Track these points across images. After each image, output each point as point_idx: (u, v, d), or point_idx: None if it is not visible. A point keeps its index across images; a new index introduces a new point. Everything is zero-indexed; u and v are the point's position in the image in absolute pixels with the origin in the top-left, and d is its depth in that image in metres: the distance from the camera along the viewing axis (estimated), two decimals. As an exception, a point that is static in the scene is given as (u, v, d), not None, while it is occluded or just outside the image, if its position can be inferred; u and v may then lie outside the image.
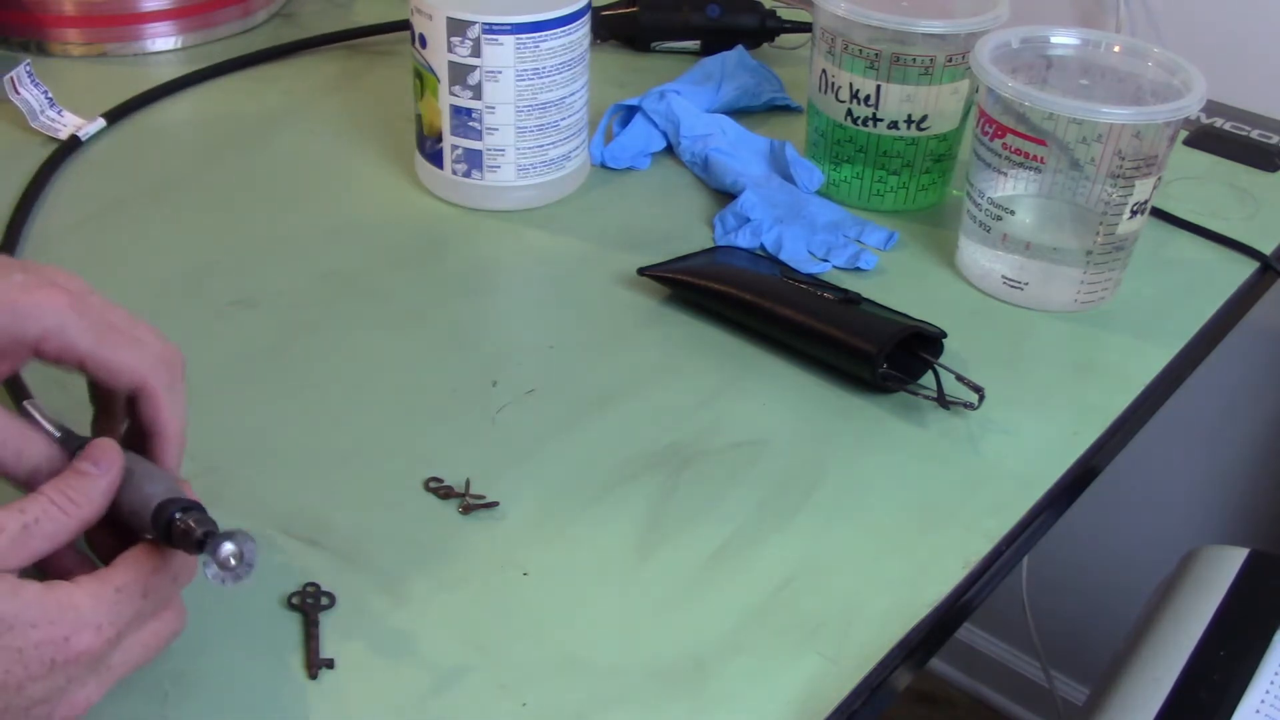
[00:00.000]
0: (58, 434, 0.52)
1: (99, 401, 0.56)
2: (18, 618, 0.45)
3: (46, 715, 0.46)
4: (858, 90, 0.85)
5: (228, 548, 0.47)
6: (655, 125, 0.94)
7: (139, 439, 0.53)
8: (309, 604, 0.57)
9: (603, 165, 0.93)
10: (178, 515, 0.48)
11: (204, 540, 0.48)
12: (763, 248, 0.83)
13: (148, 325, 0.54)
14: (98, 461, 0.49)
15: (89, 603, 0.46)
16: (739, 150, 0.91)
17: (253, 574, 0.48)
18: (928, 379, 0.72)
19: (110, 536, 0.51)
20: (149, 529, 0.49)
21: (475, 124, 0.83)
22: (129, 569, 0.48)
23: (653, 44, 1.10)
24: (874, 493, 0.66)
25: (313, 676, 0.54)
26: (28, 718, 0.46)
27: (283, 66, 1.06)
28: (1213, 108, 1.03)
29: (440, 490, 0.64)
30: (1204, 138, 0.99)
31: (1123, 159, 0.74)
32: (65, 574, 0.48)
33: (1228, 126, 1.01)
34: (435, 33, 0.81)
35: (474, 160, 0.85)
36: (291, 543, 0.60)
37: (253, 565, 0.48)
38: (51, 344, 0.51)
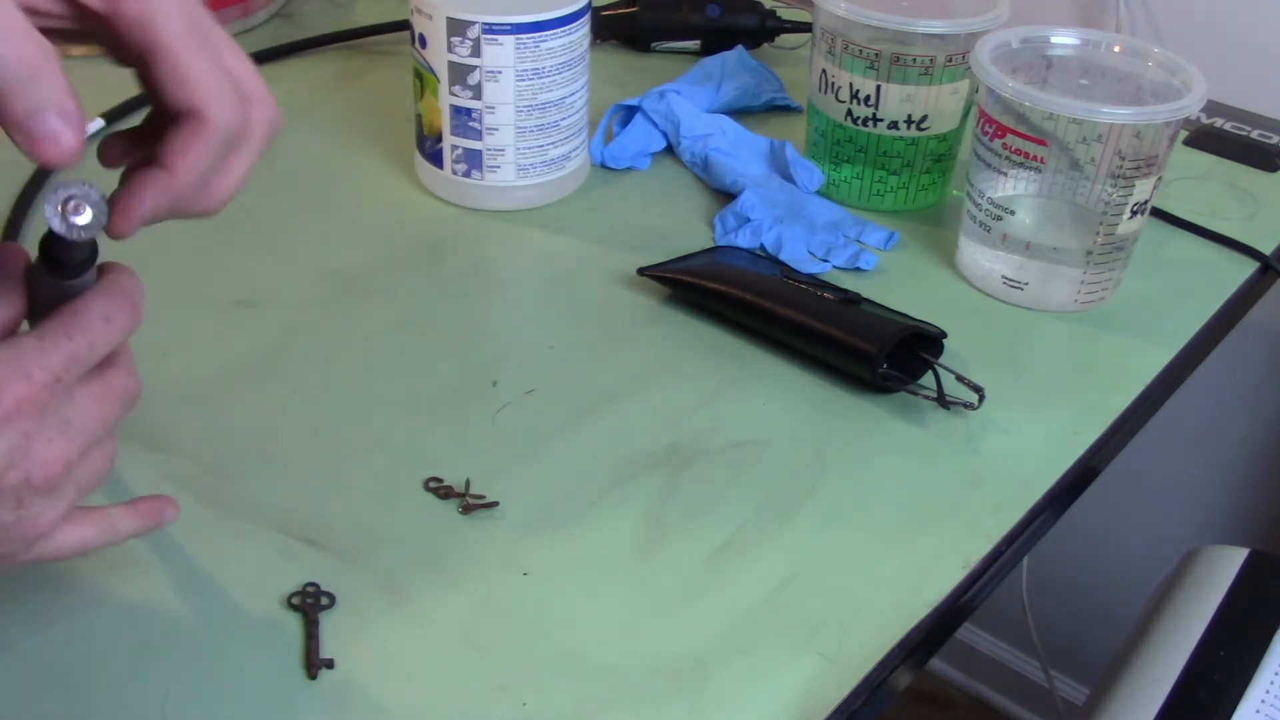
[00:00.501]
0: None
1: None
2: None
3: (17, 538, 0.44)
4: (858, 90, 0.85)
5: (71, 201, 0.42)
6: (655, 125, 0.94)
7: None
8: (309, 604, 0.57)
9: (603, 165, 0.93)
10: (51, 228, 0.43)
11: (60, 209, 0.42)
12: (763, 248, 0.83)
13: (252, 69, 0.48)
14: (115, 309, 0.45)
15: (7, 353, 0.43)
16: (739, 150, 0.91)
17: (100, 216, 0.43)
18: (928, 379, 0.72)
19: None
20: (45, 275, 0.44)
21: (475, 124, 0.83)
22: (45, 321, 0.44)
23: (653, 44, 1.10)
24: (874, 493, 0.66)
25: (313, 677, 0.54)
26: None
27: (283, 66, 1.06)
28: (1213, 108, 1.03)
29: (440, 490, 0.64)
30: (1204, 138, 0.99)
31: (1123, 159, 0.74)
32: None
33: (1228, 126, 1.01)
34: (435, 33, 0.81)
35: (474, 160, 0.85)
36: (291, 543, 0.60)
37: (101, 208, 0.43)
38: (127, 12, 0.45)
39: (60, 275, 0.45)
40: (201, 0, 0.47)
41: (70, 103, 0.42)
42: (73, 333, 0.44)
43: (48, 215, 0.42)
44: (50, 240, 0.44)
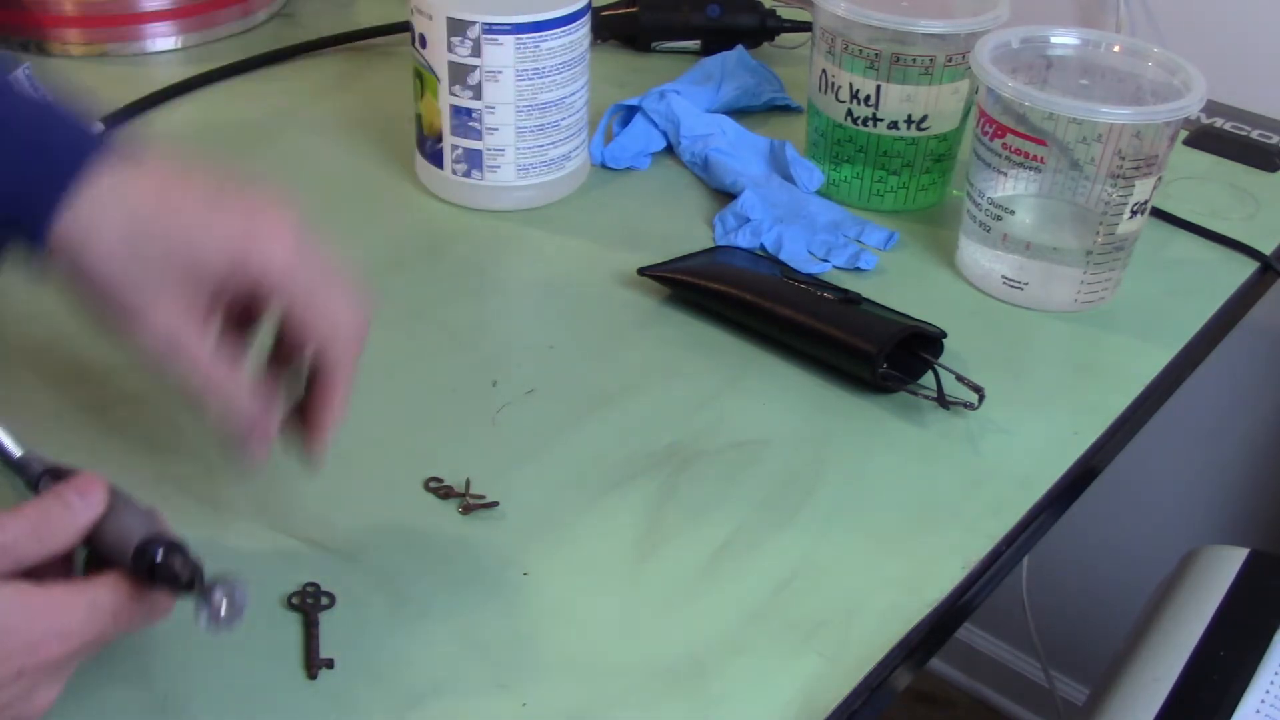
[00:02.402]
0: (17, 454, 0.53)
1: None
2: None
3: (9, 717, 0.46)
4: (858, 90, 0.85)
5: (219, 595, 0.48)
6: (655, 125, 0.94)
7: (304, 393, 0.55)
8: (309, 604, 0.57)
9: (603, 165, 0.93)
10: (160, 557, 0.48)
11: (191, 583, 0.48)
12: (763, 248, 0.83)
13: (349, 284, 0.54)
14: (84, 495, 0.49)
15: (58, 612, 0.46)
16: (739, 150, 0.91)
17: (244, 616, 0.48)
18: (928, 379, 0.72)
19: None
20: (129, 564, 0.49)
21: (475, 124, 0.83)
22: (106, 588, 0.48)
23: (653, 44, 1.10)
24: (874, 493, 0.66)
25: (312, 676, 0.54)
26: None
27: (283, 67, 1.06)
28: (1213, 108, 1.03)
29: (440, 490, 0.64)
30: (1204, 138, 0.99)
31: (1123, 159, 0.74)
32: (38, 575, 0.48)
33: (1228, 126, 1.01)
34: (435, 33, 0.81)
35: (474, 160, 0.85)
36: (291, 543, 0.60)
37: (245, 607, 0.48)
38: (272, 282, 0.52)
39: (145, 576, 0.49)
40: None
41: (253, 420, 0.55)
42: (119, 615, 0.48)
43: (214, 595, 0.48)
44: (169, 575, 0.48)
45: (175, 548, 0.49)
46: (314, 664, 0.54)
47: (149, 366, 0.55)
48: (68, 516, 0.49)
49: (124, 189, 0.52)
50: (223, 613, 0.48)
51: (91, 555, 0.50)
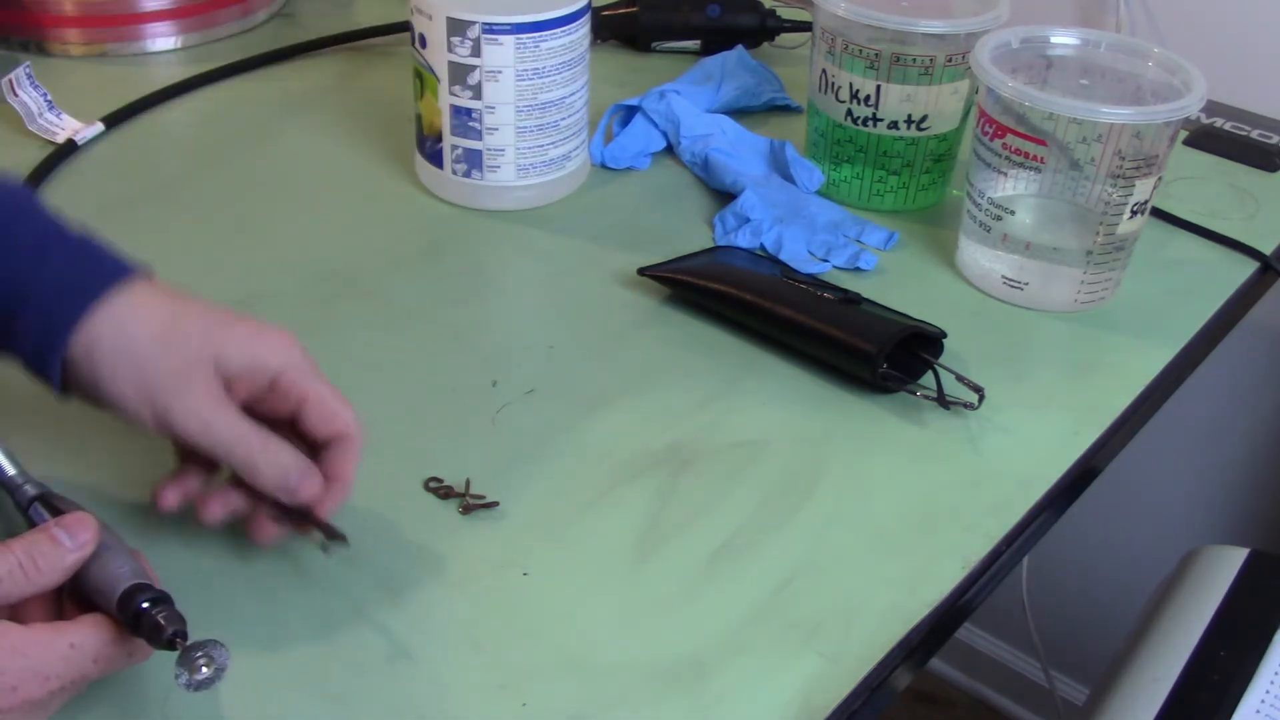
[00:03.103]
0: (10, 472, 0.54)
1: (184, 455, 0.59)
2: None
3: None
4: (858, 90, 0.85)
5: (200, 659, 0.48)
6: (655, 125, 0.94)
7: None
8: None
9: (603, 165, 0.93)
10: (146, 606, 0.48)
11: (173, 640, 0.48)
12: (763, 248, 0.83)
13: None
14: (74, 534, 0.49)
15: (40, 652, 0.47)
16: (739, 150, 0.91)
17: (217, 677, 0.48)
18: (928, 379, 0.72)
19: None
20: (112, 609, 0.49)
21: (475, 124, 0.83)
22: (87, 630, 0.48)
23: (653, 44, 1.10)
24: (874, 493, 0.66)
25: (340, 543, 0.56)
26: None
27: (283, 67, 1.06)
28: (1213, 108, 1.03)
29: (440, 490, 0.64)
30: (1204, 138, 0.99)
31: (1123, 159, 0.74)
32: (19, 614, 0.49)
33: (1228, 126, 1.01)
34: (435, 33, 0.81)
35: (474, 160, 0.85)
36: (291, 543, 0.60)
37: (224, 670, 0.48)
38: (287, 377, 0.57)
39: (128, 626, 0.49)
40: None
41: (298, 460, 0.56)
42: (99, 658, 0.49)
43: (194, 657, 0.48)
44: (153, 627, 0.49)
45: (160, 600, 0.49)
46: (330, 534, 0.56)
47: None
48: (56, 555, 0.49)
49: (151, 297, 0.57)
50: (202, 674, 0.48)
51: (74, 592, 0.50)
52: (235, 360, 0.56)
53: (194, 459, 0.59)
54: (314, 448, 0.58)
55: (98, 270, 0.56)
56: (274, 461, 0.56)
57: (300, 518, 0.57)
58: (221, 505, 0.58)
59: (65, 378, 0.56)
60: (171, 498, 0.58)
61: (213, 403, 0.55)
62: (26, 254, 0.56)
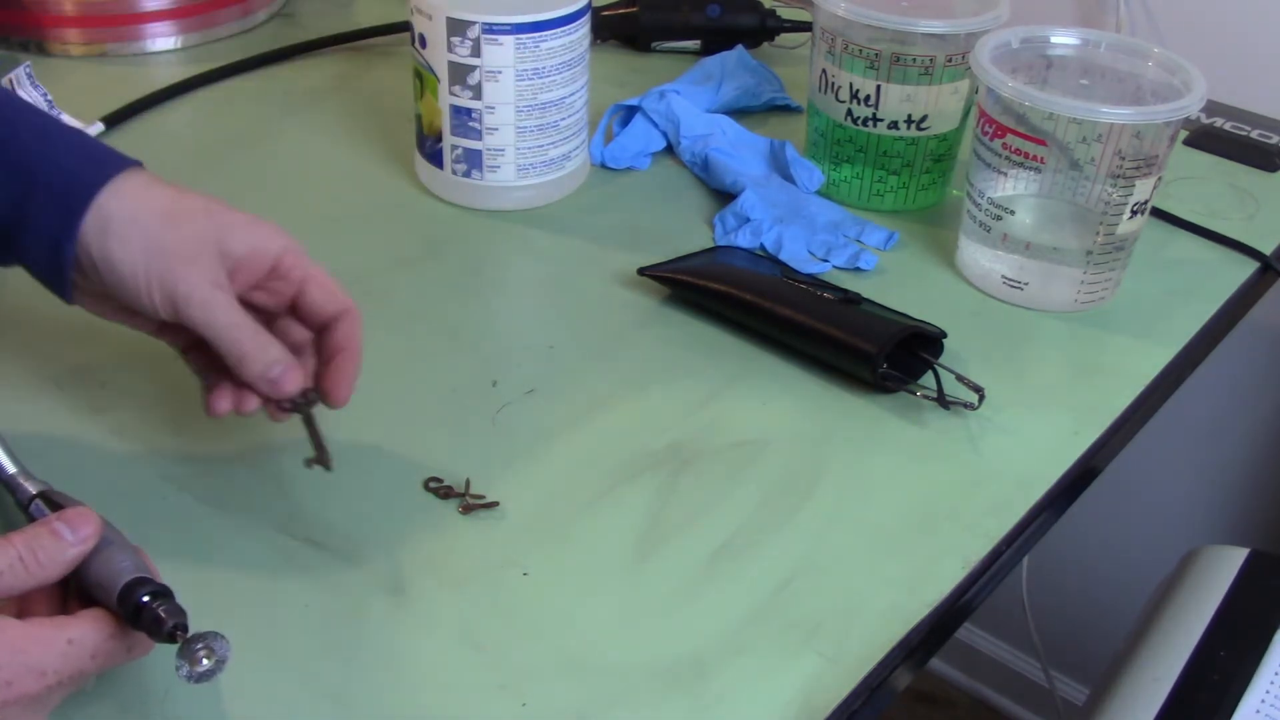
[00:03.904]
0: (10, 470, 0.54)
1: (200, 362, 0.62)
2: None
3: None
4: (858, 90, 0.85)
5: (201, 651, 0.48)
6: (655, 125, 0.94)
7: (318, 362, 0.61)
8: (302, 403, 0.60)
9: (603, 165, 0.93)
10: (147, 600, 0.48)
11: (174, 633, 0.48)
12: (763, 248, 0.83)
13: None
14: (75, 529, 0.49)
15: (38, 648, 0.46)
16: (739, 150, 0.91)
17: (218, 670, 0.48)
18: (928, 379, 0.72)
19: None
20: (112, 603, 0.49)
21: (475, 124, 0.83)
22: (86, 626, 0.48)
23: (653, 44, 1.10)
24: (874, 493, 0.66)
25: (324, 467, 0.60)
26: None
27: (283, 67, 1.06)
28: (1213, 108, 1.03)
29: (440, 490, 0.64)
30: (1204, 138, 0.99)
31: (1123, 159, 0.74)
32: (24, 607, 0.49)
33: (1228, 126, 1.01)
34: (435, 33, 0.81)
35: (474, 160, 0.85)
36: (291, 543, 0.60)
37: (225, 662, 0.48)
38: (289, 259, 0.59)
39: (128, 620, 0.49)
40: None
41: (284, 355, 0.58)
42: (98, 654, 0.49)
43: (195, 649, 0.48)
44: (153, 620, 0.48)
45: (161, 593, 0.49)
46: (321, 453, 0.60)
47: (175, 338, 0.61)
48: (57, 549, 0.49)
49: (154, 181, 0.58)
50: (203, 666, 0.48)
51: (76, 587, 0.50)
52: (239, 244, 0.58)
53: (204, 361, 0.61)
54: (315, 331, 0.61)
55: (102, 158, 0.58)
56: (262, 351, 0.58)
57: (307, 419, 0.60)
58: (229, 401, 0.60)
59: (75, 268, 0.57)
60: (222, 404, 0.60)
61: (215, 284, 0.57)
62: (30, 144, 0.57)
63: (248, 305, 0.59)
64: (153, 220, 0.57)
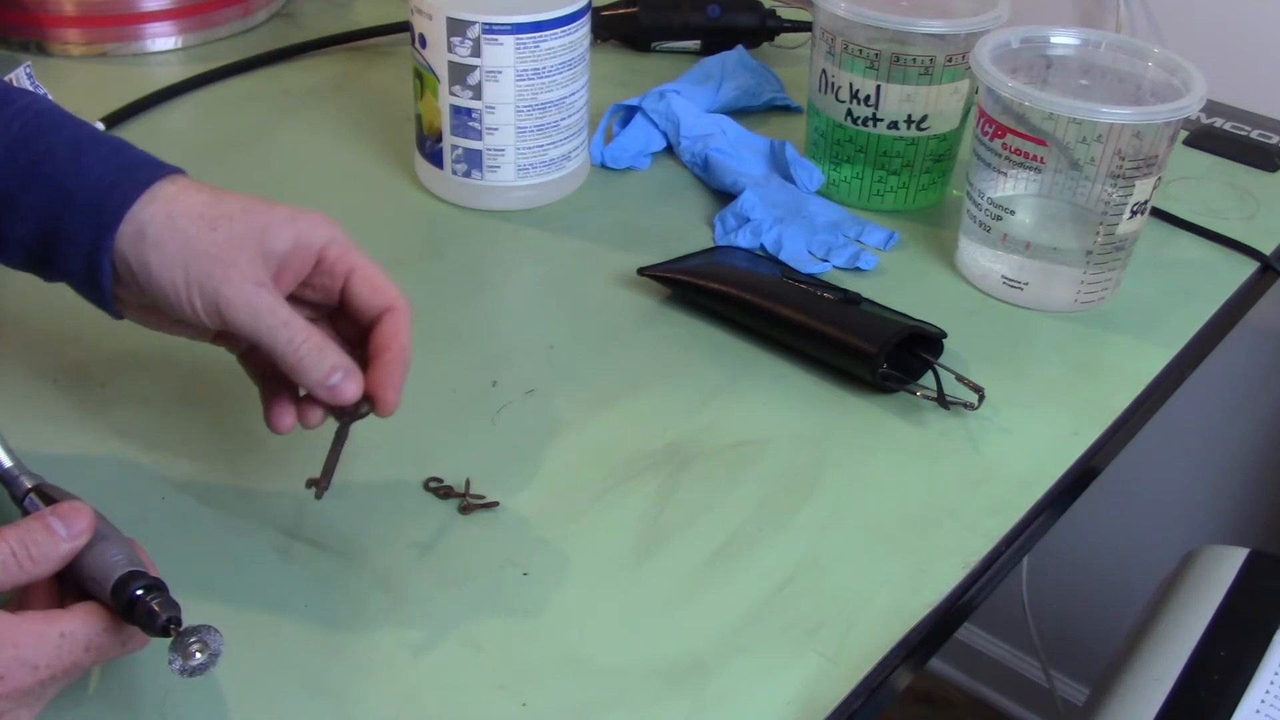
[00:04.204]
0: (6, 464, 0.54)
1: (256, 368, 0.60)
2: None
3: None
4: (858, 90, 0.85)
5: (194, 645, 0.48)
6: (655, 125, 0.94)
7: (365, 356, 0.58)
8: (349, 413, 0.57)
9: (603, 165, 0.93)
10: (140, 593, 0.48)
11: (167, 626, 0.48)
12: (763, 248, 0.83)
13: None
14: (69, 523, 0.49)
15: (30, 642, 0.46)
16: (739, 150, 0.91)
17: (211, 663, 0.48)
18: (928, 379, 0.72)
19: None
20: (106, 597, 0.49)
21: (475, 124, 0.83)
22: (79, 619, 0.48)
23: (653, 44, 1.10)
24: (874, 493, 0.66)
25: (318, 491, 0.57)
26: None
27: (283, 67, 1.06)
28: (1213, 108, 1.03)
29: (440, 490, 0.64)
30: (1204, 138, 0.99)
31: (1123, 159, 0.74)
32: (19, 602, 0.49)
33: (1228, 126, 1.01)
34: (435, 33, 0.81)
35: (474, 160, 0.85)
36: (291, 543, 0.60)
37: (219, 655, 0.48)
38: (332, 251, 0.58)
39: (122, 613, 0.49)
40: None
41: (343, 359, 0.56)
42: (91, 647, 0.48)
43: (189, 642, 0.48)
44: (147, 613, 0.48)
45: (155, 586, 0.49)
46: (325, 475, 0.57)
47: (234, 344, 0.60)
48: (50, 544, 0.49)
49: (191, 186, 0.57)
50: (196, 660, 0.48)
51: (71, 580, 0.50)
52: (280, 239, 0.56)
53: (263, 368, 0.59)
54: (361, 329, 0.59)
55: (137, 165, 0.57)
56: (319, 356, 0.55)
57: (340, 435, 0.58)
58: (292, 415, 0.58)
59: (115, 281, 0.56)
60: (285, 419, 0.58)
61: (258, 285, 0.55)
62: (64, 158, 0.56)
63: (300, 305, 0.58)
64: (189, 225, 0.55)
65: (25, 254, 0.57)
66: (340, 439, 0.58)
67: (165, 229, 0.55)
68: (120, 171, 0.56)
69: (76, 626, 0.48)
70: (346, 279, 0.58)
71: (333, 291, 0.59)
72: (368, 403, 0.57)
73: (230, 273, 0.55)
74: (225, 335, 0.59)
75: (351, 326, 0.60)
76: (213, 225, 0.55)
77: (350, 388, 0.56)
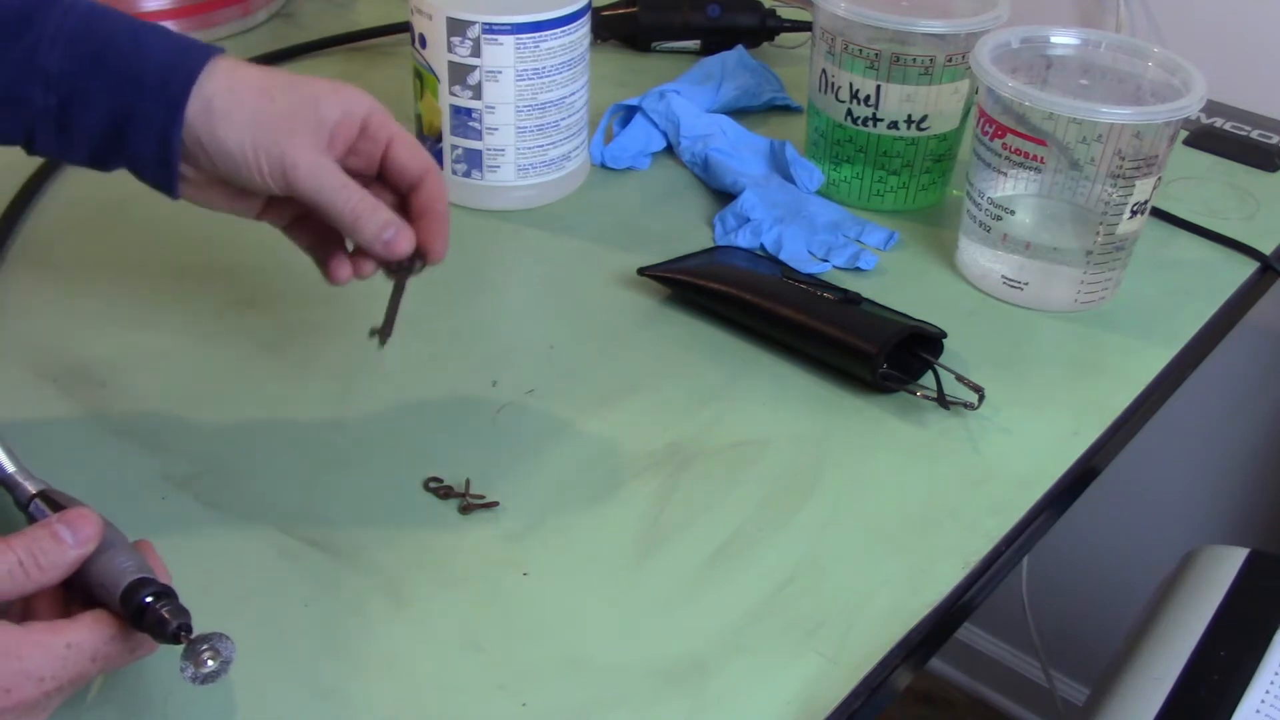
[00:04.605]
0: (9, 469, 0.54)
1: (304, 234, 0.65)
2: None
3: None
4: (858, 90, 0.85)
5: (206, 652, 0.47)
6: (655, 125, 0.94)
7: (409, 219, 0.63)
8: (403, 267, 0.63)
9: (603, 165, 0.93)
10: (150, 601, 0.48)
11: (178, 634, 0.48)
12: (763, 248, 0.83)
13: None
14: (76, 530, 0.49)
15: (36, 654, 0.46)
16: (739, 150, 0.91)
17: (222, 671, 0.48)
18: (928, 379, 0.72)
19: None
20: (115, 604, 0.48)
21: (475, 124, 0.83)
22: (85, 629, 0.48)
23: (653, 44, 1.10)
24: (874, 493, 0.66)
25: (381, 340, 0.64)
26: None
27: (282, 67, 1.05)
28: (1213, 108, 1.03)
29: (440, 490, 0.64)
30: (1204, 138, 0.99)
31: (1123, 159, 0.74)
32: (26, 610, 0.49)
33: (1228, 126, 1.01)
34: (435, 33, 0.81)
35: (474, 160, 0.85)
36: (291, 543, 0.60)
37: (230, 663, 0.48)
38: (375, 119, 0.61)
39: (131, 620, 0.49)
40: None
41: (394, 216, 0.61)
42: (98, 656, 0.48)
43: (200, 650, 0.48)
44: (157, 620, 0.48)
45: (164, 593, 0.49)
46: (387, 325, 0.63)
47: (278, 217, 0.64)
48: (58, 552, 0.48)
49: (239, 62, 0.60)
50: (208, 667, 0.48)
51: (78, 588, 0.50)
52: (331, 109, 0.60)
53: (309, 237, 0.64)
54: (398, 194, 0.63)
55: (190, 45, 0.59)
56: (374, 213, 0.60)
57: (399, 287, 0.63)
58: (348, 268, 0.64)
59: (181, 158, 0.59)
60: (343, 270, 0.64)
61: (320, 150, 0.60)
62: (125, 44, 0.58)
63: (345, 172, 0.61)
64: (251, 96, 0.58)
65: (91, 144, 0.59)
66: (398, 290, 0.64)
67: (230, 101, 0.58)
68: (180, 51, 0.59)
69: (83, 637, 0.47)
70: (388, 145, 0.62)
71: (374, 157, 0.62)
72: (420, 257, 0.62)
73: (294, 139, 0.59)
74: (273, 208, 0.64)
75: (388, 193, 0.63)
76: (270, 97, 0.59)
77: (403, 241, 0.61)
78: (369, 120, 0.61)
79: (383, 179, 0.63)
